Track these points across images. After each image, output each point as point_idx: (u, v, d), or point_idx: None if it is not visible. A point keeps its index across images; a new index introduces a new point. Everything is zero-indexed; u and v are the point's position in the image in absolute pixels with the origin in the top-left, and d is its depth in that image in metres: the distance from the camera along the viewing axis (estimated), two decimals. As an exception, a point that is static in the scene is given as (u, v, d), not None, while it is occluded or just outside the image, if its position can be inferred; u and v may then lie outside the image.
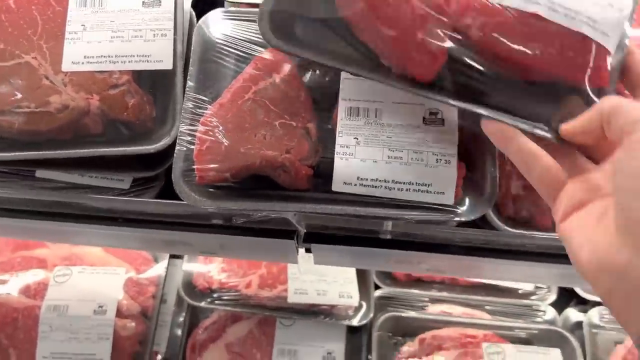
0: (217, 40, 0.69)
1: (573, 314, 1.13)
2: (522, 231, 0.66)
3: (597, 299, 1.13)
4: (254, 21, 0.68)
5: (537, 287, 1.18)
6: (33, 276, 1.09)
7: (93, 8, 0.69)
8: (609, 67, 0.52)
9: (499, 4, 0.52)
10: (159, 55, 0.68)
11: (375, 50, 0.56)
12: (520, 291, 1.17)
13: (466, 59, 0.54)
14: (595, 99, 0.51)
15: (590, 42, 0.52)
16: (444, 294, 1.18)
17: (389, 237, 0.73)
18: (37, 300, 1.06)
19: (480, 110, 0.53)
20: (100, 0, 0.70)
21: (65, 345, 1.02)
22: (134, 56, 0.67)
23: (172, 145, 0.65)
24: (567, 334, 1.06)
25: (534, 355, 1.02)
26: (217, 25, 0.70)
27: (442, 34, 0.53)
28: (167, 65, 0.68)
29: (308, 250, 0.78)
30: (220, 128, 0.61)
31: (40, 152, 0.65)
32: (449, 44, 0.53)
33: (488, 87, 0.55)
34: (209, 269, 1.12)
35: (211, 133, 0.61)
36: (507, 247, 0.69)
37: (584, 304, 1.15)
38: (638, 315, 0.39)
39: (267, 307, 1.09)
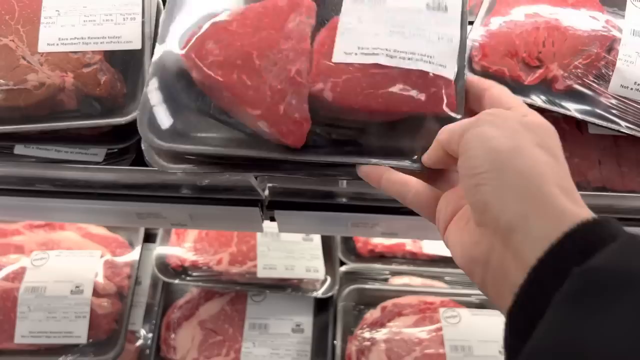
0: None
1: (524, 281, 1.22)
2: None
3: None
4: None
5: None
6: (11, 261, 1.14)
7: (66, -5, 0.75)
8: (452, 93, 0.59)
9: (343, 63, 0.60)
10: (129, 36, 0.74)
11: (251, 127, 0.62)
12: (475, 262, 1.25)
13: (330, 119, 0.61)
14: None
15: (430, 75, 0.59)
16: (405, 267, 1.25)
17: (344, 200, 0.80)
18: (15, 283, 1.10)
19: (355, 160, 0.59)
20: (73, -12, 0.76)
21: (44, 324, 1.07)
22: (105, 38, 0.73)
23: (142, 118, 0.71)
24: (517, 298, 1.14)
25: (487, 317, 1.10)
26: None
27: (301, 102, 0.59)
28: (136, 45, 0.74)
29: (272, 219, 0.85)
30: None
31: (20, 126, 0.70)
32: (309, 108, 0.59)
33: (357, 137, 0.62)
34: (182, 248, 1.18)
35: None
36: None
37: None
38: (507, 297, 0.39)
39: (237, 283, 1.15)
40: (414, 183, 0.54)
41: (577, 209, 0.39)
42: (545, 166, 0.41)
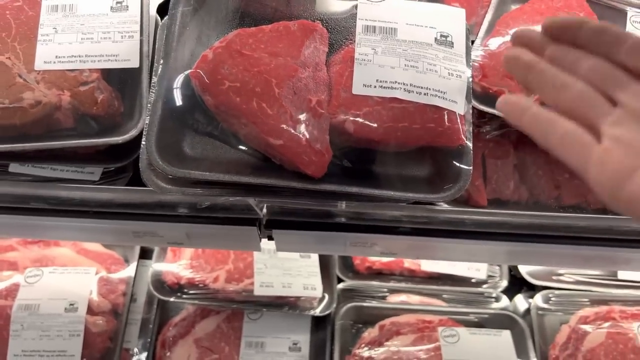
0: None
1: (522, 299, 1.21)
2: (460, 208, 0.72)
3: (545, 284, 1.21)
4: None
5: (489, 276, 1.26)
6: (4, 278, 1.12)
7: (64, 12, 0.75)
8: (462, 129, 0.64)
9: (363, 95, 0.62)
10: (127, 54, 0.73)
11: (265, 154, 0.63)
12: (473, 280, 1.25)
13: (347, 148, 0.63)
14: (454, 162, 0.64)
15: (444, 110, 0.63)
16: (403, 284, 1.24)
17: (343, 220, 0.79)
18: (8, 300, 1.08)
19: (373, 192, 0.62)
20: (71, 6, 0.75)
21: (37, 343, 1.05)
22: (102, 56, 0.73)
23: (139, 138, 0.70)
24: (516, 317, 1.14)
25: (486, 337, 1.09)
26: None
27: (322, 133, 0.61)
28: (134, 63, 0.73)
29: (270, 238, 0.84)
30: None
31: (16, 145, 0.70)
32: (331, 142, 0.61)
33: (374, 166, 0.65)
34: (178, 266, 1.17)
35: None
36: (448, 226, 0.75)
37: (533, 290, 1.23)
38: None
39: (234, 301, 1.13)
40: (562, 121, 0.45)
41: None
42: None
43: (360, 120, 0.61)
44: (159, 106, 0.63)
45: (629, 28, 0.73)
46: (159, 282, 1.16)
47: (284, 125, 0.59)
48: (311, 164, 0.60)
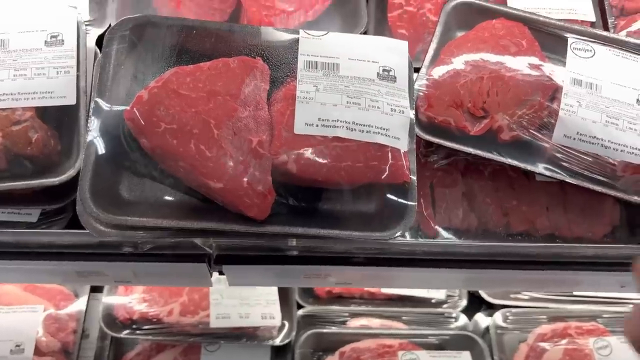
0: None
1: (482, 318, 1.21)
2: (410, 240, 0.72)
3: (504, 302, 1.22)
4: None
5: (448, 296, 1.26)
6: (-56, 320, 1.06)
7: (-5, 48, 0.71)
8: (406, 165, 0.63)
9: (305, 134, 0.61)
10: (63, 91, 0.70)
11: (208, 197, 0.61)
12: (433, 300, 1.25)
13: (291, 188, 0.62)
14: (399, 199, 0.63)
15: (387, 148, 0.62)
16: (363, 307, 1.23)
17: (295, 253, 0.77)
18: (-52, 344, 1.03)
19: (318, 232, 0.61)
20: (3, 41, 0.72)
21: (-20, 389, 1.00)
22: (37, 93, 0.70)
23: (77, 177, 0.67)
24: (476, 337, 1.14)
25: (446, 359, 1.09)
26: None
27: (264, 174, 0.60)
28: (71, 100, 0.70)
29: (221, 273, 0.81)
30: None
31: (-58, 190, 0.66)
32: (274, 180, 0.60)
33: (317, 205, 0.64)
34: (130, 300, 1.13)
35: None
36: (400, 256, 0.75)
37: (492, 308, 1.23)
38: None
39: (190, 334, 1.10)
40: None
41: None
42: None
43: (303, 160, 0.60)
44: (92, 150, 0.61)
45: (570, 55, 0.74)
46: (111, 318, 1.12)
47: (224, 168, 0.57)
48: (254, 206, 0.58)
